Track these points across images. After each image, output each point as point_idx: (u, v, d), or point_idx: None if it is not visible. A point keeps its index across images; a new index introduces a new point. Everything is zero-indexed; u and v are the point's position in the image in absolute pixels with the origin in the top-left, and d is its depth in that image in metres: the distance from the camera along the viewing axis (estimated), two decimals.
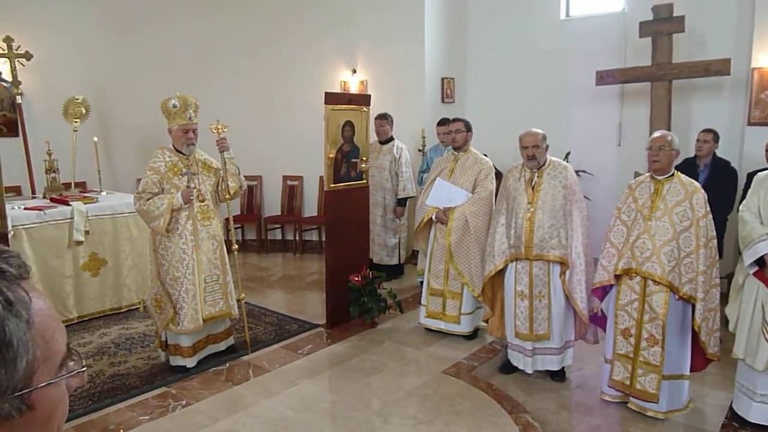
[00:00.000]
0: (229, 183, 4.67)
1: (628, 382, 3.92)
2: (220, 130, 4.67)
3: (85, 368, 0.85)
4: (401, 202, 7.05)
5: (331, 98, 5.37)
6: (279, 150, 8.81)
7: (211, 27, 8.60)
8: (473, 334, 5.27)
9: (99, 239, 5.92)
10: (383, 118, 7.00)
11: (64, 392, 0.83)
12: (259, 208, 9.05)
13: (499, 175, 5.37)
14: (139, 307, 6.00)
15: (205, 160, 4.69)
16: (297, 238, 8.76)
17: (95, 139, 7.03)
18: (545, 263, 4.27)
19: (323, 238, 8.50)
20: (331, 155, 5.43)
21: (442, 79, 8.27)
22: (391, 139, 7.07)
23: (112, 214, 6.03)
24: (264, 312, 6.09)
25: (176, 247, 4.47)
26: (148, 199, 4.42)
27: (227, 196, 4.70)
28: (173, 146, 4.58)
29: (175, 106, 4.45)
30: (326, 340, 5.32)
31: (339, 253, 5.56)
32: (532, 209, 4.26)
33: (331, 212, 5.53)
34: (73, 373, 0.83)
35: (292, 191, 8.94)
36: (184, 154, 4.57)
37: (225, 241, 4.83)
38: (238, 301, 4.87)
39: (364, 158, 5.72)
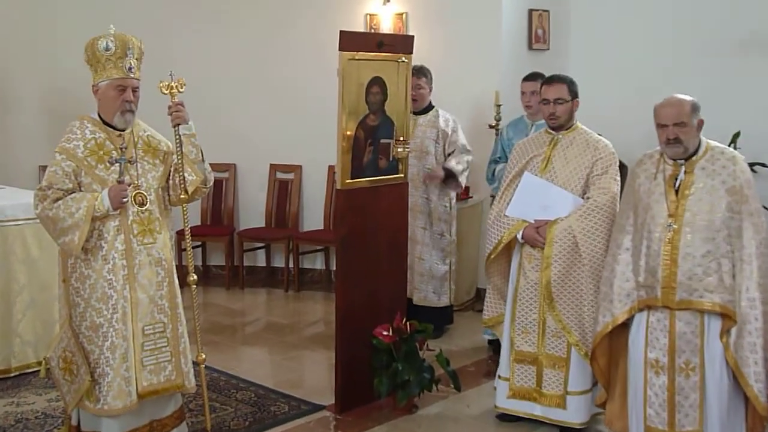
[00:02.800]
0: (186, 175, 4.66)
1: None
2: (175, 90, 4.67)
3: None
4: (449, 176, 7.00)
5: (349, 41, 5.35)
6: (265, 125, 8.88)
7: None
8: (586, 428, 5.21)
9: None
10: (421, 74, 7.04)
11: None
12: (232, 216, 9.14)
13: (623, 170, 5.32)
14: (38, 371, 5.89)
15: (149, 138, 4.70)
16: (291, 264, 8.77)
17: None
18: (696, 315, 4.25)
19: (332, 266, 8.42)
20: (349, 132, 5.43)
21: (530, 13, 8.29)
22: (431, 107, 7.15)
23: (0, 222, 6.03)
24: (236, 384, 6.08)
25: (98, 277, 4.45)
26: (57, 200, 4.39)
27: (183, 196, 4.69)
28: (99, 116, 4.56)
29: (108, 49, 4.43)
30: (335, 431, 5.29)
31: (358, 291, 5.54)
32: (675, 226, 4.25)
33: (346, 224, 5.52)
34: None
35: (283, 190, 9.02)
36: (116, 129, 4.54)
37: (177, 267, 4.83)
38: (196, 364, 4.86)
39: (402, 138, 5.72)
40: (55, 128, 8.56)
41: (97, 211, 4.34)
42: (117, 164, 4.47)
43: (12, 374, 6.07)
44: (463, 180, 7.08)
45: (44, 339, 6.04)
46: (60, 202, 4.37)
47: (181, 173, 4.64)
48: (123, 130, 4.55)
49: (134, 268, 4.49)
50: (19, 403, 5.61)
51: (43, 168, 8.48)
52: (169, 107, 4.63)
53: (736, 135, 7.24)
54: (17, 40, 8.57)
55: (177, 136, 4.63)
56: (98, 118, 4.54)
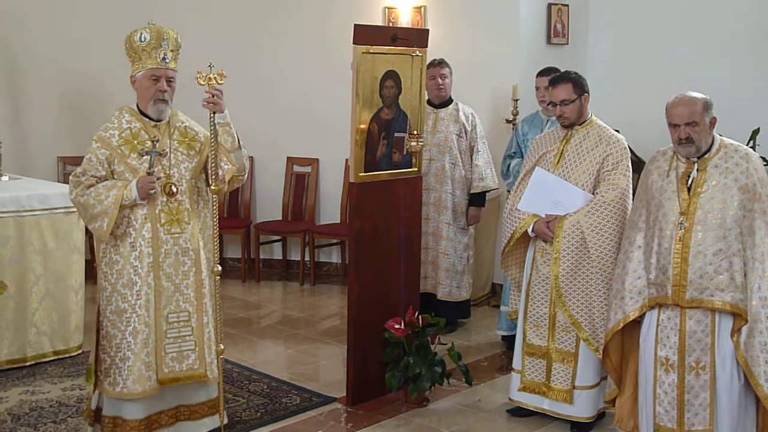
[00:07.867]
0: (222, 164, 4.73)
1: None
2: (213, 81, 4.66)
3: None
4: (476, 200, 7.06)
5: (364, 34, 5.37)
6: (281, 119, 8.88)
7: None
8: (592, 423, 5.19)
9: None
10: (444, 64, 7.02)
11: None
12: (248, 210, 9.14)
13: (641, 165, 5.34)
14: (53, 360, 6.12)
15: (186, 129, 4.78)
16: (307, 258, 8.80)
17: None
18: (707, 313, 4.25)
19: (348, 260, 8.46)
20: (363, 126, 5.44)
21: (549, 7, 8.27)
22: (451, 100, 7.13)
23: (16, 212, 6.05)
24: (249, 375, 6.12)
25: (125, 263, 4.56)
26: (90, 186, 4.52)
27: (220, 185, 4.74)
28: (137, 106, 4.67)
29: (143, 40, 4.53)
30: (346, 424, 5.32)
31: (371, 284, 5.55)
32: (687, 224, 4.25)
33: (360, 218, 5.54)
34: None
35: (300, 183, 9.00)
36: (152, 119, 4.64)
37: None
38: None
39: (417, 132, 5.70)
40: (73, 119, 8.72)
41: (126, 200, 4.45)
42: (147, 156, 4.55)
43: (28, 363, 6.09)
44: (490, 175, 7.06)
45: (60, 329, 6.13)
46: (92, 189, 4.50)
47: (214, 163, 4.67)
48: (159, 121, 4.65)
49: (160, 256, 4.58)
50: (34, 392, 5.64)
51: (63, 159, 8.59)
52: (206, 97, 4.65)
53: (756, 131, 7.12)
54: (35, 31, 8.56)
55: (212, 125, 4.66)
56: (136, 109, 4.65)
